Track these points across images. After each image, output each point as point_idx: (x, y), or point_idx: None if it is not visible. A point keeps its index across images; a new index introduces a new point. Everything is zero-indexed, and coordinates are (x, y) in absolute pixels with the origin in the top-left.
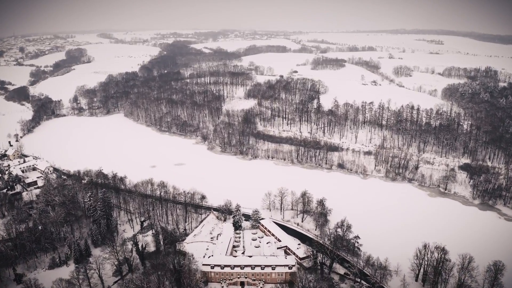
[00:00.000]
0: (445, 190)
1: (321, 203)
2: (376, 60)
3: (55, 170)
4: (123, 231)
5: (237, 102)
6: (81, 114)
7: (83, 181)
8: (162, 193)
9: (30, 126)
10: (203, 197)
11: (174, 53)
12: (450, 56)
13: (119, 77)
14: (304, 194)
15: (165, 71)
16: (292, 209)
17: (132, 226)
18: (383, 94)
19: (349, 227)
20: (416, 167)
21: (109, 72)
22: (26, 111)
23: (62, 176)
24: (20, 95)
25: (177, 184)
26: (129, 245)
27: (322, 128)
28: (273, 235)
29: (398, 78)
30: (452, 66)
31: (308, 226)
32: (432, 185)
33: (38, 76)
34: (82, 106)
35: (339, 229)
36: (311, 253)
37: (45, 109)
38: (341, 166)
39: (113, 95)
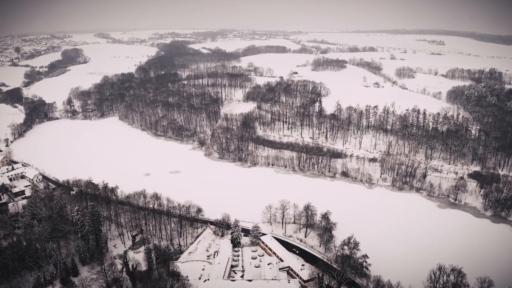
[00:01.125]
0: (455, 200)
1: (325, 217)
2: (378, 61)
3: (44, 178)
4: (114, 246)
5: (236, 105)
6: (75, 117)
7: (71, 192)
8: (155, 206)
9: (21, 130)
10: (199, 210)
11: (172, 54)
12: (452, 57)
13: (115, 78)
14: (307, 208)
15: (162, 72)
16: (294, 223)
17: (123, 241)
18: (387, 97)
19: (356, 244)
20: (424, 176)
21: (105, 73)
22: (18, 114)
23: (51, 185)
24: (13, 97)
25: (172, 194)
26: (119, 264)
27: (325, 133)
28: (274, 253)
29: (401, 80)
30: (455, 68)
31: (312, 242)
32: (442, 195)
33: (32, 77)
34: (76, 108)
35: (345, 247)
36: (317, 275)
37: (38, 112)
38: (345, 174)
39: (107, 98)
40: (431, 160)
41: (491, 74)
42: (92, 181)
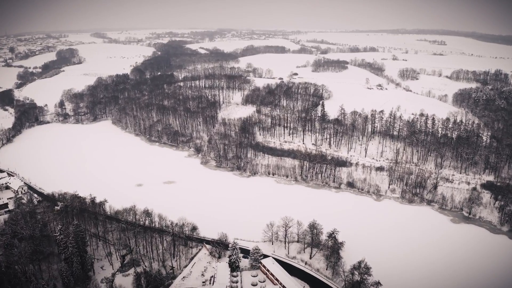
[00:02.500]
0: (469, 214)
1: (332, 236)
2: (380, 62)
3: (30, 189)
4: (101, 268)
5: (234, 108)
6: (66, 121)
7: (56, 207)
8: (146, 223)
9: (9, 135)
10: (194, 228)
11: (169, 54)
12: (455, 57)
13: (109, 79)
14: (312, 226)
15: (158, 73)
16: (298, 241)
17: (111, 263)
18: (391, 100)
19: (367, 269)
20: (435, 186)
21: (99, 74)
22: (8, 118)
23: (36, 197)
24: (4, 99)
25: (165, 209)
26: None
27: (328, 139)
28: (277, 279)
29: (405, 82)
30: (460, 69)
31: (318, 265)
32: (454, 208)
33: (25, 78)
34: (67, 112)
35: (355, 271)
36: None
37: (28, 116)
38: (351, 185)
39: (100, 100)
40: (441, 169)
41: (496, 75)
42: (78, 195)
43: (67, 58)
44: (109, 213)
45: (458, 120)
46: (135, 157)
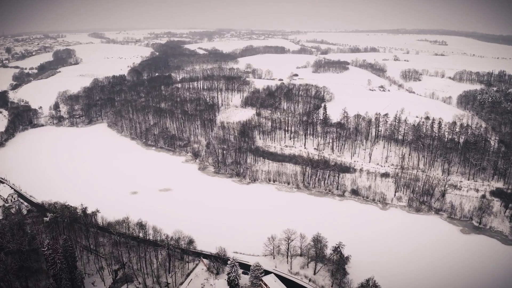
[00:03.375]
0: (480, 224)
1: (337, 250)
2: (381, 63)
3: (20, 196)
4: (92, 284)
5: (233, 111)
6: (61, 124)
7: (45, 218)
8: (140, 235)
9: (2, 139)
10: (190, 242)
11: (167, 54)
12: (456, 58)
13: (106, 81)
14: (316, 239)
15: (156, 74)
16: (301, 255)
17: (102, 278)
18: (394, 102)
19: (376, 287)
20: (443, 194)
21: (96, 75)
22: (2, 120)
23: (26, 206)
24: None
25: (160, 219)
26: None
27: (330, 144)
28: None
29: (407, 83)
30: (463, 70)
31: (323, 282)
32: (464, 218)
33: (21, 79)
34: (62, 114)
35: None
36: None
37: (21, 119)
38: (355, 192)
39: (96, 102)
40: (449, 175)
41: (500, 76)
42: (68, 206)
43: (63, 58)
44: (101, 224)
45: (464, 123)
46: (131, 163)
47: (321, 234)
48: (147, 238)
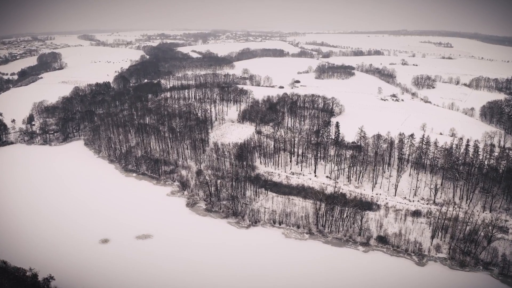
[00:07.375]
0: None
1: None
2: (390, 68)
3: None
4: None
5: (229, 127)
6: (32, 141)
7: None
8: None
9: None
10: None
11: (158, 58)
12: (465, 61)
13: (88, 89)
14: None
15: (145, 81)
16: None
17: None
18: (411, 115)
19: None
20: (489, 240)
21: (80, 82)
22: None
23: None
24: None
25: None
26: None
27: (346, 171)
28: None
29: (420, 91)
30: (480, 76)
31: None
32: None
33: (0, 86)
34: (35, 129)
35: None
36: None
37: None
38: (382, 240)
39: (73, 116)
40: (489, 212)
41: None
42: (9, 269)
43: (48, 63)
44: None
45: (496, 143)
46: (105, 196)
47: None
48: None
